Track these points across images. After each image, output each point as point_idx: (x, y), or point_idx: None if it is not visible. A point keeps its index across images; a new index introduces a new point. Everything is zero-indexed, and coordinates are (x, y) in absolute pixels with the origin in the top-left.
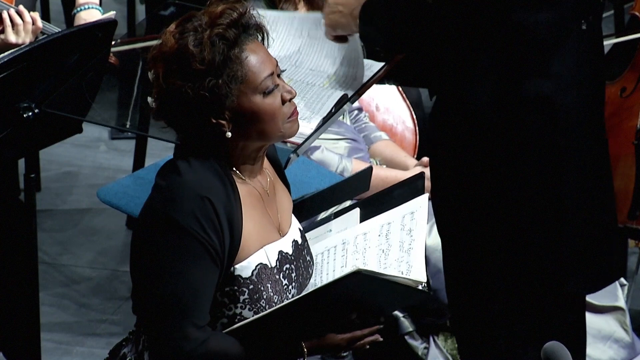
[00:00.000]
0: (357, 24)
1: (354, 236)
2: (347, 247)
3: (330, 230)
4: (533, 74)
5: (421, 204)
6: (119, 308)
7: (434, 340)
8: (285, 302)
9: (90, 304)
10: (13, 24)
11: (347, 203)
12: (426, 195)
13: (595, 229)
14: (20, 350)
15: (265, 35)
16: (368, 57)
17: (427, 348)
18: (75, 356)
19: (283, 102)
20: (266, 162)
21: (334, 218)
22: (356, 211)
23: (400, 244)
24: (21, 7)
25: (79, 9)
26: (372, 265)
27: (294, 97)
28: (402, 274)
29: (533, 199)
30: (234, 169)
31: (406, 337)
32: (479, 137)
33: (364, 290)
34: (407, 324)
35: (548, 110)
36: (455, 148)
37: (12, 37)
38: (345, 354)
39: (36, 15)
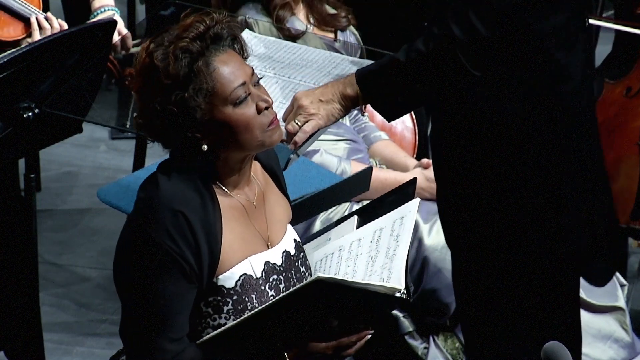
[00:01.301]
0: (346, 100)
1: (350, 243)
2: (342, 253)
3: (330, 239)
4: (552, 78)
5: (411, 209)
6: (119, 308)
7: (434, 340)
8: (253, 311)
9: (90, 304)
10: (41, 28)
11: (347, 210)
12: (417, 200)
13: (595, 229)
14: (21, 350)
15: (241, 45)
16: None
17: (427, 348)
18: (75, 356)
19: (259, 111)
20: (259, 172)
21: (335, 226)
22: (354, 219)
23: (387, 250)
24: (49, 14)
25: (95, 13)
26: (360, 272)
27: (271, 105)
28: (383, 280)
29: (533, 199)
30: (218, 181)
31: (406, 337)
32: (479, 138)
33: (334, 297)
34: (407, 324)
35: (555, 112)
36: (455, 149)
37: None
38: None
39: (64, 23)
